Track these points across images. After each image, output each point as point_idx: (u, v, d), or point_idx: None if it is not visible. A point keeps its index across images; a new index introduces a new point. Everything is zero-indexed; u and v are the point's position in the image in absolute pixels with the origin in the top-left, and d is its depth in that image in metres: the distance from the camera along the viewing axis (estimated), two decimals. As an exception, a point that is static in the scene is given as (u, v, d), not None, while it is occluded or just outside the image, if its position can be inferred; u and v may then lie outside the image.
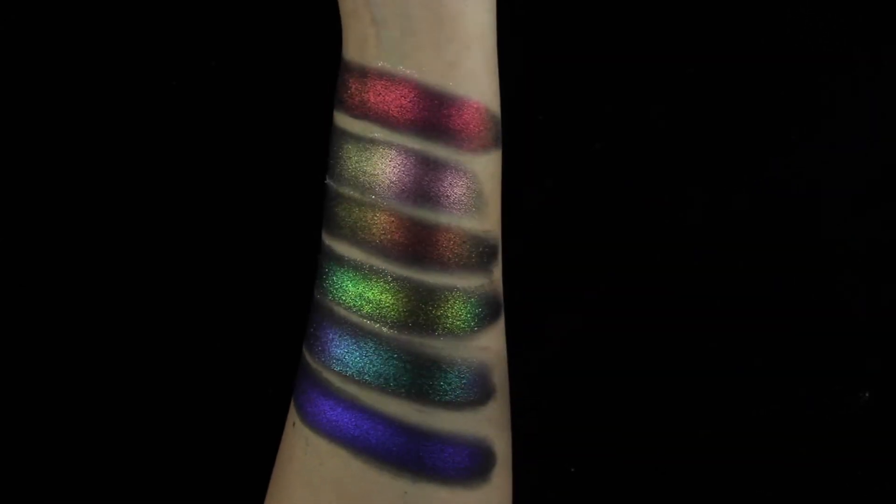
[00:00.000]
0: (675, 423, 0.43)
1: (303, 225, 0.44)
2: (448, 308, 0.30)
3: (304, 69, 0.43)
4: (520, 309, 0.36)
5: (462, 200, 0.30)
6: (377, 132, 0.30)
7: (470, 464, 0.30)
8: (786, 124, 0.43)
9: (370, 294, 0.30)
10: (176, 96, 0.43)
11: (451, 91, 0.30)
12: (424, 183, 0.30)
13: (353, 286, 0.30)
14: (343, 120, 0.31)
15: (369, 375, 0.29)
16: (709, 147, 0.43)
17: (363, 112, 0.30)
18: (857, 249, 0.43)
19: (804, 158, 0.43)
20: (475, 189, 0.30)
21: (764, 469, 0.43)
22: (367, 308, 0.30)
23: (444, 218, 0.30)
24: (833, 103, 0.43)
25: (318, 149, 0.44)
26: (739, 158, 0.43)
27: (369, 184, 0.30)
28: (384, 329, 0.29)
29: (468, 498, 0.30)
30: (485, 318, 0.31)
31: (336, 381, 0.30)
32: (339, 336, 0.30)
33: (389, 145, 0.30)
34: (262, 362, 0.44)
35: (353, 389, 0.30)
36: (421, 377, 0.29)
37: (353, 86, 0.30)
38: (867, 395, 0.43)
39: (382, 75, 0.30)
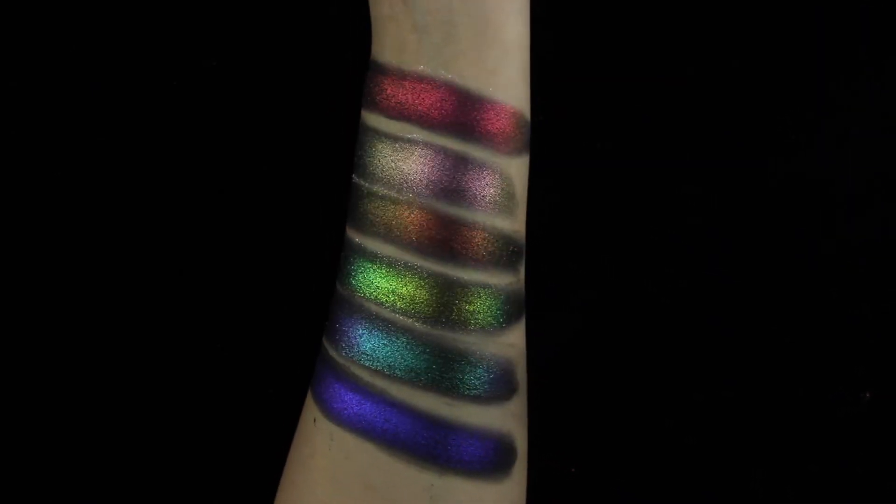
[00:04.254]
0: (676, 423, 0.43)
1: (300, 224, 0.44)
2: (480, 304, 0.31)
3: (304, 68, 0.44)
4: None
5: (496, 201, 0.31)
6: (416, 133, 0.31)
7: (494, 458, 0.31)
8: (786, 124, 0.43)
9: (404, 290, 0.30)
10: (176, 96, 0.43)
11: (490, 96, 0.31)
12: (461, 183, 0.31)
13: (386, 282, 0.31)
14: (376, 120, 0.31)
15: (400, 370, 0.30)
16: (709, 147, 0.43)
17: (400, 113, 0.31)
18: (857, 249, 0.43)
19: (804, 158, 0.43)
20: (508, 190, 0.31)
21: (764, 469, 0.43)
22: (399, 303, 0.30)
23: (479, 217, 0.31)
24: (833, 103, 0.43)
25: (318, 148, 0.44)
26: (739, 158, 0.43)
27: (406, 182, 0.31)
28: (417, 324, 0.30)
29: (490, 491, 0.31)
30: (512, 316, 0.32)
31: (365, 376, 0.30)
32: (369, 331, 0.31)
33: (428, 146, 0.31)
34: (262, 362, 0.44)
35: (382, 384, 0.30)
36: (451, 371, 0.30)
37: (389, 88, 0.31)
38: (868, 395, 0.43)
39: (422, 79, 0.31)
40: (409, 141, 0.31)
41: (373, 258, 0.31)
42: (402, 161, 0.31)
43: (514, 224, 0.32)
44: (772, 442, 0.43)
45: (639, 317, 0.44)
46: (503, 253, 0.31)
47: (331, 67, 0.43)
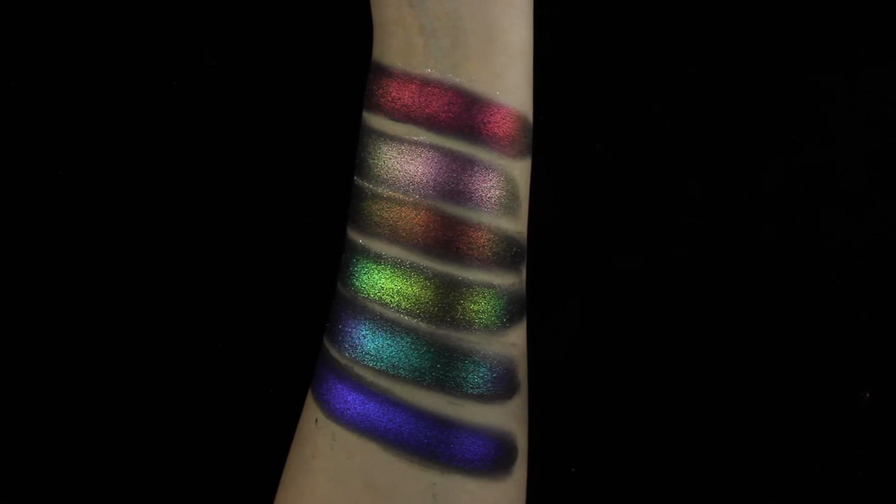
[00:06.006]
0: (676, 422, 0.43)
1: (298, 224, 0.44)
2: (485, 304, 0.31)
3: (303, 68, 0.44)
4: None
5: (501, 202, 0.31)
6: (423, 135, 0.31)
7: (496, 456, 0.31)
8: (786, 124, 0.43)
9: (409, 290, 0.31)
10: (176, 96, 0.43)
11: (497, 100, 0.31)
12: (467, 184, 0.31)
13: (391, 282, 0.31)
14: (380, 122, 0.32)
15: (404, 369, 0.30)
16: (709, 147, 0.43)
17: (406, 115, 0.31)
18: (857, 249, 0.43)
19: (804, 158, 0.43)
20: (512, 192, 0.32)
21: (764, 469, 0.43)
22: (404, 304, 0.31)
23: (484, 218, 0.31)
24: (833, 103, 0.43)
25: (317, 149, 0.44)
26: (739, 158, 0.43)
27: (412, 184, 0.31)
28: (421, 324, 0.31)
29: (492, 490, 0.31)
30: (514, 316, 0.32)
31: (368, 376, 0.31)
32: (373, 332, 0.31)
33: (435, 148, 0.31)
34: (262, 362, 0.44)
35: (386, 383, 0.30)
36: (455, 370, 0.31)
37: (394, 90, 0.32)
38: (867, 395, 0.43)
39: (430, 82, 0.31)
40: (416, 143, 0.31)
41: (377, 259, 0.31)
42: (409, 163, 0.31)
43: (518, 225, 0.32)
44: (772, 442, 0.43)
45: (638, 317, 0.44)
46: (507, 254, 0.32)
47: (330, 68, 0.43)
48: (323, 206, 0.43)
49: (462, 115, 0.31)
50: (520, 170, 0.32)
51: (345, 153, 0.44)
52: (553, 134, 0.43)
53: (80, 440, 0.43)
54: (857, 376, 0.43)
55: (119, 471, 0.44)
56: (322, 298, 0.43)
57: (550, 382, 0.43)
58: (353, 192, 0.32)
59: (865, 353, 0.43)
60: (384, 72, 0.32)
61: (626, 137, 0.44)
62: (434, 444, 0.30)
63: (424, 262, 0.31)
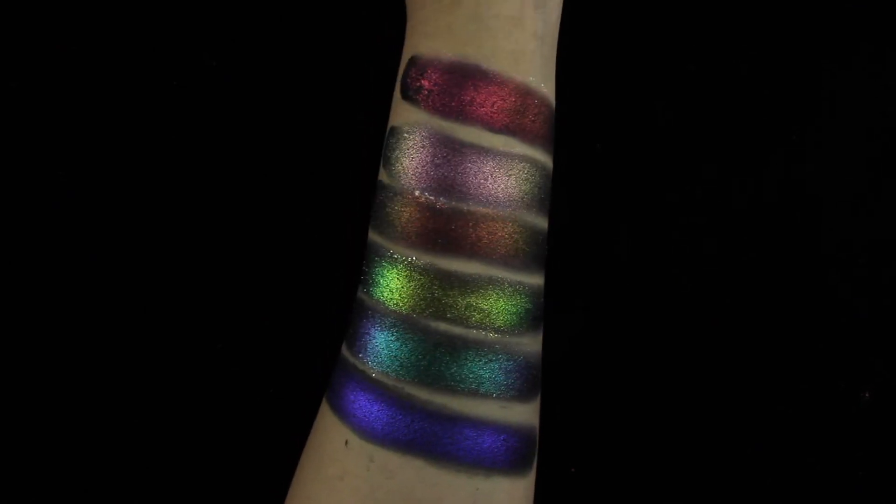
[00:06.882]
0: (676, 423, 0.43)
1: (297, 224, 0.44)
2: (536, 307, 0.31)
3: (303, 69, 0.43)
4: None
5: (545, 204, 0.31)
6: (517, 147, 0.29)
7: (525, 453, 0.31)
8: (786, 124, 0.43)
9: (485, 304, 0.29)
10: (176, 96, 0.43)
11: (554, 111, 0.31)
12: (545, 195, 0.31)
13: (468, 298, 0.29)
14: (474, 134, 0.29)
15: (449, 380, 0.29)
16: (710, 146, 0.43)
17: (506, 126, 0.29)
18: (857, 249, 0.43)
19: (804, 158, 0.43)
20: (549, 192, 0.31)
21: (764, 469, 0.43)
22: (478, 316, 0.29)
23: (546, 224, 0.31)
24: (833, 103, 0.43)
25: (316, 148, 0.44)
26: (740, 158, 0.43)
27: (505, 198, 0.29)
28: (490, 335, 0.29)
29: (519, 485, 0.30)
30: (542, 313, 0.31)
31: (423, 395, 0.29)
32: (405, 342, 0.29)
33: (526, 160, 0.30)
34: (262, 362, 0.44)
35: (442, 399, 0.29)
36: (508, 375, 0.30)
37: (497, 99, 0.29)
38: (868, 394, 0.43)
39: (530, 92, 0.30)
40: (512, 156, 0.29)
41: (447, 277, 0.29)
42: (504, 176, 0.29)
43: (546, 224, 0.31)
44: (772, 442, 0.43)
45: (639, 317, 0.44)
46: (545, 255, 0.31)
47: (330, 68, 0.43)
48: (320, 205, 0.43)
49: (543, 126, 0.30)
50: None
51: (344, 153, 0.44)
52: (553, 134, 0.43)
53: (77, 441, 0.43)
54: (857, 376, 0.43)
55: (118, 469, 0.44)
56: (322, 297, 0.43)
57: (550, 382, 0.43)
58: (403, 206, 0.30)
59: (865, 353, 0.43)
60: (484, 77, 0.29)
61: (626, 137, 0.44)
62: (485, 451, 0.29)
63: (504, 273, 0.29)
